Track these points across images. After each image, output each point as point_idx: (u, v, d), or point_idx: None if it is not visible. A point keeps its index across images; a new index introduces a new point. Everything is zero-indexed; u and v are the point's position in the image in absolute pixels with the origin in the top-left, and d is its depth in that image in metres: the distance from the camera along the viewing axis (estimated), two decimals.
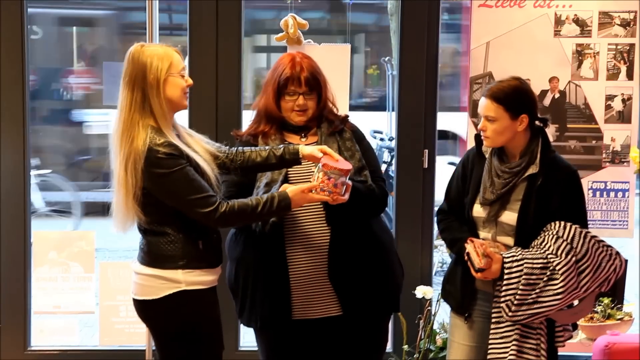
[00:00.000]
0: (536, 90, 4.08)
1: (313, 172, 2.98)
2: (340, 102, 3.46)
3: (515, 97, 3.05)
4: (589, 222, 3.20)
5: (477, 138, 3.18)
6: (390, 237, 3.38)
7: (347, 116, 3.36)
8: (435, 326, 4.27)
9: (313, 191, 2.91)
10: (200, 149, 2.99)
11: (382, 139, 7.10)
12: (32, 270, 4.47)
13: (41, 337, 4.52)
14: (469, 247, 3.03)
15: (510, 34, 4.21)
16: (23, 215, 4.43)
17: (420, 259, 4.41)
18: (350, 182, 2.96)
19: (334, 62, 3.94)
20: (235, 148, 3.14)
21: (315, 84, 3.18)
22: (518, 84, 3.08)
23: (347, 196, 2.94)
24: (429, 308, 4.17)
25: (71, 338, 4.57)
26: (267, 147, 3.11)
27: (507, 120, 3.04)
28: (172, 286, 2.87)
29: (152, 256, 2.90)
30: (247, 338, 4.22)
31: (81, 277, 4.45)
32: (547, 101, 4.22)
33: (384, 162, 6.72)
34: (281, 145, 3.10)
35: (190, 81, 2.97)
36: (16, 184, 4.41)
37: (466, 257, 3.03)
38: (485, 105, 3.07)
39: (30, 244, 4.46)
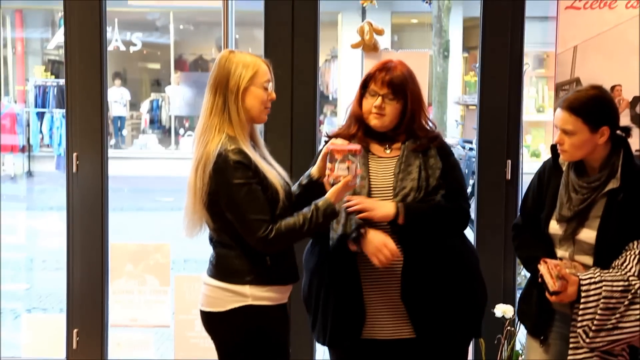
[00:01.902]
0: (628, 97, 3.87)
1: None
2: None
3: (595, 107, 2.82)
4: None
5: (554, 148, 2.96)
6: (475, 258, 3.19)
7: (438, 134, 3.15)
8: (517, 347, 4.06)
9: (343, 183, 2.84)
10: (277, 167, 2.96)
11: (471, 149, 6.90)
12: (110, 283, 4.49)
13: (118, 350, 4.56)
14: (542, 268, 2.83)
15: (599, 37, 3.99)
16: (101, 226, 4.46)
17: (503, 274, 4.23)
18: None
19: (413, 69, 3.80)
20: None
21: (399, 89, 3.02)
22: (597, 93, 2.86)
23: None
24: (509, 328, 3.97)
25: (147, 352, 4.59)
26: None
27: (586, 134, 2.82)
28: (238, 299, 2.83)
29: (220, 269, 2.88)
30: (326, 354, 4.11)
31: (157, 290, 4.45)
32: None
33: (473, 173, 6.52)
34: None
35: (274, 95, 2.92)
36: (94, 196, 4.44)
37: (540, 279, 2.84)
38: (562, 117, 2.85)
39: (107, 256, 4.48)
